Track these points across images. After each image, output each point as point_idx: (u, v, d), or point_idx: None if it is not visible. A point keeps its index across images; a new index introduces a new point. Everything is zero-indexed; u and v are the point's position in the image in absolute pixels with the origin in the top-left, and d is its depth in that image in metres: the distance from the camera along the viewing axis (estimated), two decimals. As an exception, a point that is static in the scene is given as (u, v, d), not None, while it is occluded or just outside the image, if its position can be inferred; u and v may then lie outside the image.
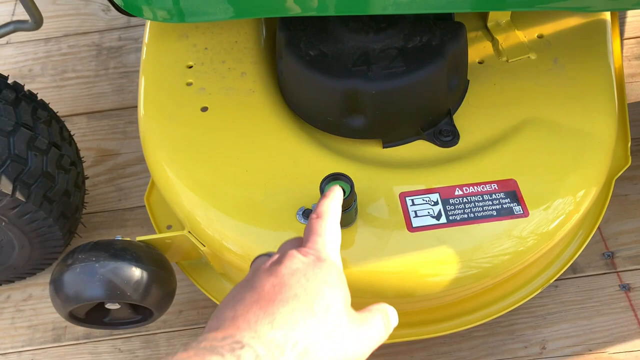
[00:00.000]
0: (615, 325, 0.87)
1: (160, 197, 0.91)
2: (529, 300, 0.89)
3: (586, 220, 0.84)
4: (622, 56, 0.98)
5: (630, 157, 0.86)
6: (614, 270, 0.91)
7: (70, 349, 0.93)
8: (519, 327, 0.88)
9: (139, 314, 0.78)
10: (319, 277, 0.46)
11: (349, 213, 0.66)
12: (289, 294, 0.44)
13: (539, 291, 0.79)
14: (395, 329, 0.77)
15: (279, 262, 0.48)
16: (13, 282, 0.96)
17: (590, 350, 0.85)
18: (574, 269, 0.92)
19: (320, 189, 0.64)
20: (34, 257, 0.88)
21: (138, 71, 1.25)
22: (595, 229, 0.82)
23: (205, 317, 0.93)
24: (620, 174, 0.85)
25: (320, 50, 0.73)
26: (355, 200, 0.66)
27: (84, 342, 0.93)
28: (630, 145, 0.97)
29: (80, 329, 0.94)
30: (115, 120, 1.17)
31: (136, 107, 1.19)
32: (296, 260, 0.47)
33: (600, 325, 0.87)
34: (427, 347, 0.88)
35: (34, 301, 0.97)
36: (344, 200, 0.64)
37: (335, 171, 0.65)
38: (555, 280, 0.91)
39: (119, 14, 1.34)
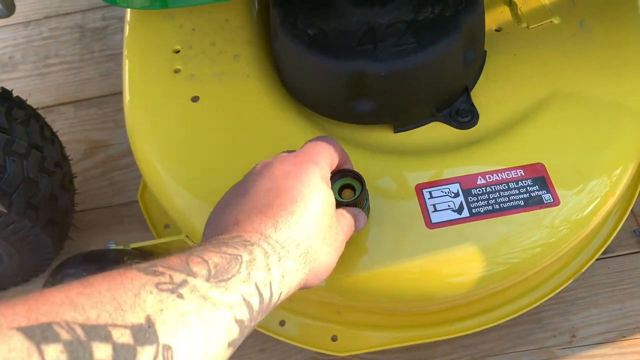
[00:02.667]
0: (650, 308, 0.81)
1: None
2: (555, 285, 0.83)
3: (620, 198, 0.77)
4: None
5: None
6: (646, 248, 0.85)
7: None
8: (546, 314, 0.82)
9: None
10: (312, 181, 0.48)
11: (361, 212, 0.60)
12: (286, 197, 0.47)
13: (569, 281, 0.73)
14: (415, 329, 0.72)
15: (270, 164, 0.50)
16: (6, 289, 0.91)
17: (624, 337, 0.80)
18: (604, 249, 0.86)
19: (328, 188, 0.58)
20: (25, 265, 0.82)
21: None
22: (630, 208, 0.75)
23: (212, 317, 0.88)
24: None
25: (320, 28, 0.65)
26: (367, 199, 0.59)
27: (86, 349, 0.88)
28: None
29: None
30: (104, 108, 1.10)
31: (125, 92, 1.11)
32: (287, 162, 0.49)
33: (634, 309, 0.81)
34: (449, 340, 0.82)
35: (30, 307, 0.92)
36: (354, 200, 0.57)
37: (343, 164, 0.58)
38: (584, 261, 0.85)
39: (101, -9, 1.26)
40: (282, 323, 0.74)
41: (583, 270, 0.74)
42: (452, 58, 0.65)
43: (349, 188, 0.58)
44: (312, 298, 0.65)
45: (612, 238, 0.74)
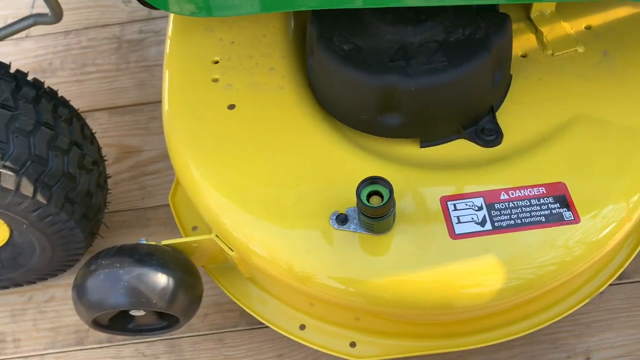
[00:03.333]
0: (665, 335, 0.82)
1: (185, 197, 0.87)
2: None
3: (637, 223, 0.79)
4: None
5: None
6: (662, 276, 0.86)
7: (93, 352, 0.90)
8: (561, 335, 0.84)
9: (164, 320, 0.75)
10: None
11: (387, 220, 0.62)
12: None
13: (585, 301, 0.74)
14: (431, 339, 0.74)
15: None
16: (34, 283, 0.94)
17: (639, 362, 0.81)
18: (620, 274, 0.87)
19: (356, 193, 0.60)
20: (55, 259, 0.85)
21: (159, 65, 1.22)
22: (646, 234, 0.77)
23: (232, 321, 0.90)
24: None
25: (355, 44, 0.68)
26: (393, 207, 0.62)
27: (107, 345, 0.91)
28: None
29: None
30: (137, 116, 1.14)
31: (158, 102, 1.15)
32: None
33: (649, 334, 0.82)
34: (462, 355, 0.83)
35: (56, 303, 0.95)
36: (382, 207, 0.60)
37: (371, 173, 0.61)
38: (600, 286, 0.86)
39: (139, 5, 1.31)
40: (302, 327, 0.76)
41: (598, 292, 0.75)
42: (481, 78, 0.67)
43: (376, 195, 0.61)
44: (334, 301, 0.66)
45: (628, 262, 0.76)
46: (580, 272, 0.73)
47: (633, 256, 0.76)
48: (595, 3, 0.80)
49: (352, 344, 0.74)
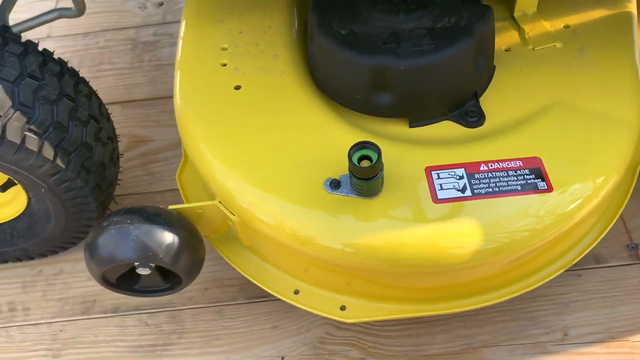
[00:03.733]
0: (638, 315, 0.87)
1: (191, 175, 0.93)
2: (551, 288, 0.90)
3: (610, 206, 0.84)
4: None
5: (655, 146, 0.86)
6: (637, 262, 0.91)
7: (98, 321, 0.95)
8: (540, 313, 0.88)
9: (167, 282, 0.80)
10: None
11: (375, 182, 0.68)
12: None
13: (557, 274, 0.79)
14: (414, 303, 0.79)
15: None
16: (46, 256, 1.00)
17: (613, 338, 0.85)
18: (597, 259, 0.92)
19: (348, 155, 0.67)
20: (68, 229, 0.91)
21: (171, 64, 1.30)
22: (617, 216, 0.82)
23: (230, 295, 0.95)
24: (645, 161, 0.85)
25: (351, 30, 0.76)
26: (381, 169, 0.68)
27: (112, 315, 0.96)
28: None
29: (108, 303, 0.97)
30: (149, 109, 1.21)
31: (169, 97, 1.23)
32: None
33: (624, 314, 0.87)
34: (447, 330, 0.88)
35: (65, 275, 1.00)
36: (371, 167, 0.66)
37: (363, 144, 0.67)
38: (579, 269, 0.92)
39: (154, 11, 1.40)
40: (296, 292, 0.81)
41: (572, 264, 0.80)
42: (464, 61, 0.74)
43: (366, 159, 0.67)
44: (328, 260, 0.72)
45: (599, 239, 0.81)
46: (555, 246, 0.79)
47: (604, 233, 0.81)
48: (573, 4, 0.88)
49: (342, 307, 0.79)
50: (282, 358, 0.88)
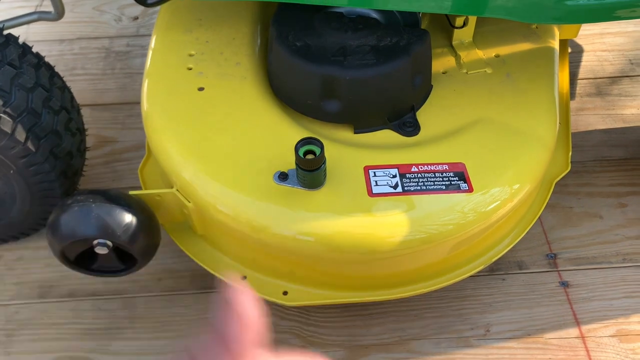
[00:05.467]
0: (552, 316, 0.96)
1: (152, 171, 1.00)
2: (478, 290, 0.99)
3: (527, 215, 0.95)
4: (569, 78, 1.12)
5: (570, 164, 0.98)
6: (555, 269, 1.01)
7: (53, 305, 1.00)
8: (467, 311, 0.97)
9: (123, 264, 0.86)
10: None
11: (318, 173, 0.77)
12: None
13: (478, 269, 0.88)
14: (352, 290, 0.87)
15: None
16: (7, 241, 1.04)
17: (529, 335, 0.94)
18: (520, 265, 1.02)
19: (295, 149, 0.75)
20: (31, 215, 0.96)
21: (142, 73, 1.37)
22: (533, 223, 0.92)
23: (182, 285, 1.01)
24: (560, 177, 0.96)
25: (305, 42, 0.85)
26: (324, 163, 0.76)
27: (67, 300, 1.00)
28: (577, 167, 1.10)
29: (65, 289, 1.01)
30: (116, 113, 1.28)
31: (137, 103, 1.31)
32: None
33: (540, 314, 0.96)
34: (383, 323, 0.96)
35: (24, 262, 1.05)
36: (315, 160, 0.75)
37: (309, 144, 0.76)
38: (503, 274, 1.01)
39: (129, 24, 1.48)
40: (243, 277, 0.88)
41: (493, 260, 0.89)
42: (402, 77, 0.84)
43: (310, 153, 0.76)
44: (274, 245, 0.80)
45: (517, 241, 0.91)
46: (477, 244, 0.88)
47: (520, 237, 0.91)
48: (504, 37, 1.00)
49: (285, 292, 0.86)
50: (228, 343, 0.94)
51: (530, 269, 1.02)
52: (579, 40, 1.39)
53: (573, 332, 0.94)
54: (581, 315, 0.96)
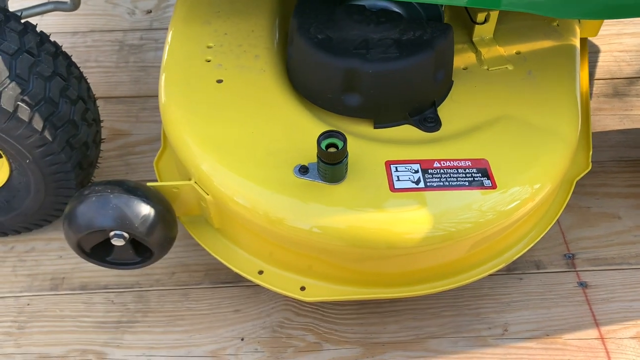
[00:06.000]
0: (571, 316, 0.95)
1: (168, 163, 0.99)
2: (495, 289, 0.98)
3: (547, 214, 0.93)
4: (589, 78, 1.11)
5: (590, 163, 0.97)
6: (573, 270, 1.00)
7: (65, 297, 0.99)
8: (484, 310, 0.96)
9: (138, 256, 0.85)
10: None
11: (340, 167, 0.76)
12: None
13: (496, 269, 0.87)
14: (368, 287, 0.85)
15: None
16: (20, 233, 1.03)
17: (548, 335, 0.93)
18: (537, 265, 1.01)
19: (317, 141, 0.74)
20: (45, 205, 0.95)
21: (155, 67, 1.37)
22: (552, 223, 0.91)
23: (196, 279, 1.00)
24: (581, 176, 0.95)
25: (327, 35, 0.84)
26: (346, 156, 0.75)
27: (80, 292, 0.99)
28: (595, 167, 1.09)
29: (77, 281, 1.00)
30: (130, 106, 1.27)
31: (150, 96, 1.30)
32: None
33: (558, 315, 0.95)
34: (399, 321, 0.95)
35: (36, 253, 1.04)
36: (338, 153, 0.73)
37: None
38: (521, 273, 1.00)
39: (142, 17, 1.47)
40: (260, 272, 0.87)
41: (514, 259, 0.88)
42: (424, 71, 0.83)
43: (333, 147, 0.75)
44: (292, 239, 0.78)
45: (536, 241, 0.90)
46: (495, 241, 0.87)
47: (540, 237, 0.90)
48: (525, 34, 0.99)
49: (302, 288, 0.85)
50: (242, 339, 0.93)
51: (547, 269, 1.01)
52: (595, 40, 1.38)
53: (592, 333, 0.93)
54: (600, 316, 0.94)
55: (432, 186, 0.78)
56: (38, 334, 0.95)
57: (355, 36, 0.84)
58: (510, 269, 1.00)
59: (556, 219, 0.91)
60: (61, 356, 0.93)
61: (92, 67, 1.35)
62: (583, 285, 0.98)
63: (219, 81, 0.90)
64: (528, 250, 0.89)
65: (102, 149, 1.17)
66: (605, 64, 1.33)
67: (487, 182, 0.79)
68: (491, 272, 0.87)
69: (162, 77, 0.91)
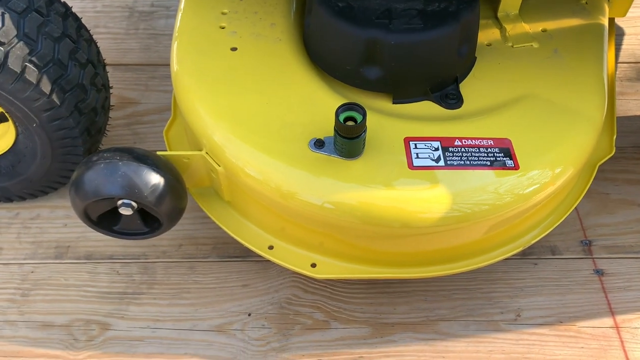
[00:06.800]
0: (586, 304, 0.93)
1: (178, 133, 0.97)
2: (509, 273, 0.96)
3: (567, 198, 0.91)
4: (615, 60, 1.07)
5: (614, 148, 0.93)
6: (589, 256, 0.98)
7: (70, 266, 0.97)
8: (497, 295, 0.94)
9: (146, 227, 0.83)
10: None
11: (358, 142, 0.73)
12: None
13: (512, 253, 0.85)
14: (379, 266, 0.83)
15: None
16: (25, 199, 1.01)
17: (561, 322, 0.91)
18: (553, 250, 0.98)
19: (335, 114, 0.71)
20: (51, 171, 0.93)
21: (166, 35, 1.33)
22: (574, 207, 0.89)
23: (204, 252, 0.98)
24: (604, 160, 0.92)
25: (348, 3, 0.81)
26: (365, 131, 0.72)
27: (84, 262, 0.97)
28: (616, 153, 1.05)
29: (82, 250, 0.98)
30: (139, 74, 1.24)
31: (160, 65, 1.27)
32: None
33: (573, 302, 0.93)
34: (409, 302, 0.93)
35: (41, 220, 1.02)
36: (355, 126, 0.71)
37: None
38: (535, 258, 0.98)
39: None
40: (270, 247, 0.85)
41: (532, 243, 0.86)
42: (448, 44, 0.80)
43: (352, 120, 0.72)
44: (304, 214, 0.76)
45: (555, 226, 0.87)
46: (513, 225, 0.84)
47: (556, 225, 0.87)
48: (552, 11, 0.95)
49: (313, 265, 0.83)
50: (249, 314, 0.92)
51: (563, 255, 0.98)
52: (620, 22, 1.33)
53: (607, 321, 0.90)
54: (616, 305, 0.92)
55: (452, 165, 0.75)
56: (42, 302, 0.93)
57: (377, 5, 0.80)
58: (525, 254, 0.98)
59: (577, 202, 0.89)
60: (64, 325, 0.91)
61: (101, 32, 1.32)
62: (599, 272, 0.96)
63: (233, 49, 0.86)
64: (544, 235, 0.87)
65: (110, 118, 1.14)
66: (629, 47, 1.29)
67: (509, 162, 0.76)
68: (507, 256, 0.84)
69: (175, 44, 0.88)
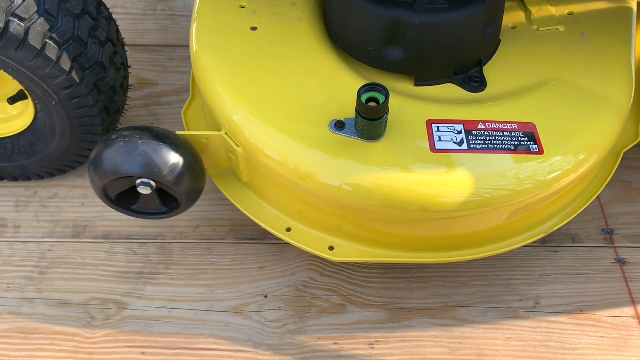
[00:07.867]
0: (607, 293, 0.91)
1: (196, 114, 0.96)
2: (528, 261, 0.94)
3: (590, 185, 0.89)
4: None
5: (640, 135, 0.92)
6: (611, 245, 0.96)
7: (87, 245, 0.97)
8: (515, 282, 0.93)
9: (165, 206, 0.83)
10: None
11: (379, 123, 0.72)
12: None
13: (532, 240, 0.83)
14: (398, 250, 0.82)
15: None
16: (43, 178, 1.01)
17: (581, 311, 0.90)
18: (573, 239, 0.97)
19: (357, 94, 0.70)
20: (70, 150, 0.93)
21: (184, 15, 1.32)
22: (598, 194, 0.87)
23: (221, 234, 0.98)
24: (629, 148, 0.90)
25: (371, -18, 0.79)
26: (387, 113, 0.71)
27: (102, 241, 0.98)
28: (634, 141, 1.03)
29: (99, 230, 0.99)
30: (157, 55, 1.23)
31: (178, 46, 1.26)
32: None
33: (593, 290, 0.92)
34: (426, 287, 0.92)
35: (59, 200, 1.02)
36: (377, 107, 0.69)
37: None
38: (555, 246, 0.96)
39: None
40: (288, 229, 0.84)
41: (549, 233, 0.84)
42: (474, 26, 0.78)
43: (374, 101, 0.71)
44: (323, 197, 0.75)
45: (577, 213, 0.86)
46: (534, 211, 0.83)
47: (584, 207, 0.86)
48: (579, -6, 0.93)
49: (331, 248, 0.82)
50: (265, 296, 0.91)
51: (584, 243, 0.97)
52: (646, 8, 1.30)
53: (628, 311, 0.89)
54: (638, 294, 0.91)
55: (475, 148, 0.74)
56: (59, 280, 0.94)
57: (401, -15, 0.79)
58: (545, 241, 0.96)
59: (600, 191, 0.87)
60: (82, 304, 0.91)
61: (119, 13, 1.31)
62: (621, 261, 0.94)
63: (253, 29, 0.85)
64: (565, 223, 0.86)
65: (129, 99, 1.14)
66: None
67: (534, 147, 0.75)
68: (527, 243, 0.83)
69: (194, 24, 0.87)
